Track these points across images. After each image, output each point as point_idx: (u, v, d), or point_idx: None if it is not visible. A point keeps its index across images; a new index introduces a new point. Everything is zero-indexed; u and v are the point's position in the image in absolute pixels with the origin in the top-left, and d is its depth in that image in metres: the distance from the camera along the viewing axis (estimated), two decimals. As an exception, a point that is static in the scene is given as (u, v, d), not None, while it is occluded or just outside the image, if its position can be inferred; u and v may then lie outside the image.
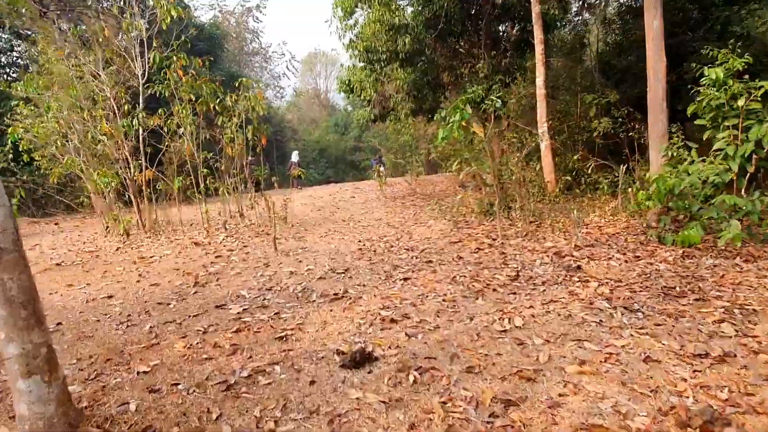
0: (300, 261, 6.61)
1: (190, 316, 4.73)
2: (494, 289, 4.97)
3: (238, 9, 34.89)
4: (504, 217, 8.43)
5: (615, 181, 10.24)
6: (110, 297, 5.59)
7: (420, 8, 11.60)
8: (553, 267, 5.62)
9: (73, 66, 9.64)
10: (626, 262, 5.69)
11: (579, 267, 5.46)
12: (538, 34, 10.37)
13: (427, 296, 4.91)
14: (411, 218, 10.18)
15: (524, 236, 7.19)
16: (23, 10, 14.74)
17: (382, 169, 18.71)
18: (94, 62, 9.44)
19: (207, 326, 4.40)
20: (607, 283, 4.94)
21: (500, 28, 13.47)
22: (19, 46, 21.70)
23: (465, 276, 5.48)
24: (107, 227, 9.66)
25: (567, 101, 12.18)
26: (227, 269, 6.44)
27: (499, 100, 6.36)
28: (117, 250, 8.25)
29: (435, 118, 6.75)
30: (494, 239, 7.18)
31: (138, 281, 6.19)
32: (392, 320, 4.25)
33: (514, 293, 4.82)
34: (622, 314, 4.10)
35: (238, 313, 4.74)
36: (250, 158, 20.47)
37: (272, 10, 68.35)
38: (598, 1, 10.66)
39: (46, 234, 11.40)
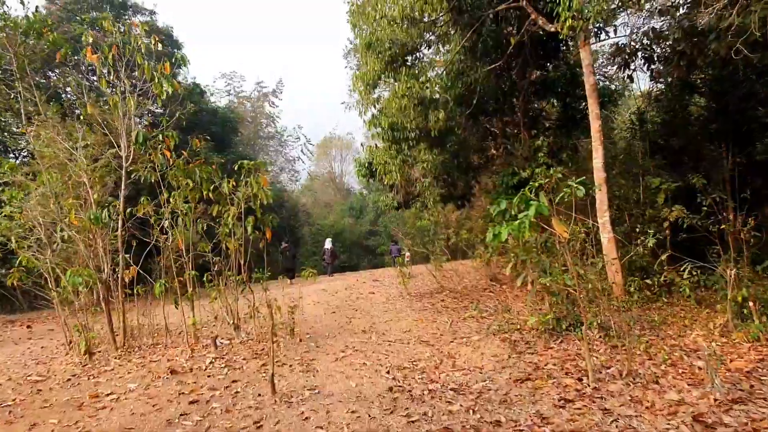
0: (306, 417, 4.57)
1: None
2: None
3: (254, 94, 34.76)
4: (577, 338, 6.40)
5: (696, 282, 8.31)
6: (7, 493, 3.59)
7: (450, 83, 10.26)
8: (707, 449, 3.54)
9: (50, 146, 8.28)
10: (822, 441, 3.60)
11: (757, 456, 3.38)
12: (593, 109, 8.83)
13: None
14: (447, 329, 8.17)
15: (623, 376, 5.12)
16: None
17: (407, 254, 16.94)
18: (73, 143, 8.02)
19: None
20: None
21: (539, 104, 12.07)
22: (30, 132, 21.08)
23: (568, 465, 3.42)
24: (70, 342, 7.78)
25: (623, 186, 10.44)
26: (200, 430, 4.43)
27: (581, 187, 4.53)
28: (69, 380, 6.28)
29: (492, 210, 4.92)
30: (580, 379, 5.12)
31: (66, 452, 4.20)
32: None
33: None
34: None
35: None
36: (283, 244, 19.88)
37: (288, 95, 70.12)
38: (666, 70, 9.26)
39: (8, 343, 9.54)
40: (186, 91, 24.29)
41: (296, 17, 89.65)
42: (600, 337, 6.41)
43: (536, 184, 4.68)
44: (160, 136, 7.16)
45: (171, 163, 7.36)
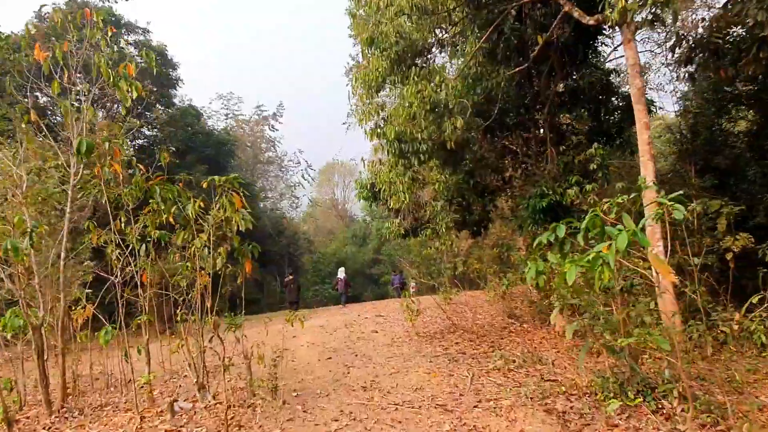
0: None
1: None
2: None
3: (254, 117, 33.61)
4: (650, 410, 4.77)
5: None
6: None
7: (467, 89, 8.81)
8: None
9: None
10: None
11: None
12: (641, 117, 7.35)
13: None
14: (469, 387, 6.54)
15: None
16: None
17: (413, 285, 15.47)
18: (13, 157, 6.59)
19: None
20: None
21: (566, 117, 10.58)
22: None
23: None
24: (-4, 403, 6.17)
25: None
26: None
27: (680, 206, 3.00)
28: (-34, 466, 4.69)
29: (544, 238, 3.37)
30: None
31: None
32: None
33: None
34: None
35: None
36: (288, 276, 18.80)
37: (290, 119, 68.86)
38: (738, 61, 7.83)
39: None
40: (179, 112, 23.23)
41: (298, 41, 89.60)
42: (682, 409, 4.77)
43: (617, 200, 3.14)
44: (107, 146, 5.65)
45: (123, 179, 5.89)
